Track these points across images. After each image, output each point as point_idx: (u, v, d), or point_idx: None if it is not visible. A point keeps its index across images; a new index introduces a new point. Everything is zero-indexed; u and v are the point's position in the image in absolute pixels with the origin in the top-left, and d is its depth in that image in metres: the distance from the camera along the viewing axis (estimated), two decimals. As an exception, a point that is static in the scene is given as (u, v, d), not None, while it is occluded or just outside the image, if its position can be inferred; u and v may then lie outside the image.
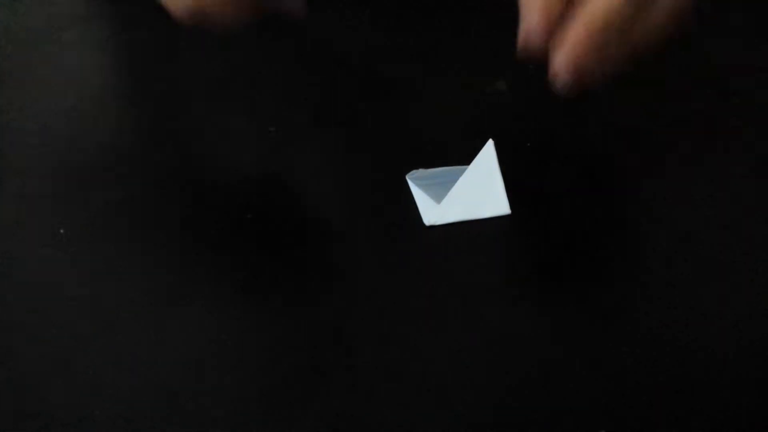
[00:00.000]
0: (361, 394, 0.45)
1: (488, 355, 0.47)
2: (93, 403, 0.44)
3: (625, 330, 0.49)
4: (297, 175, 0.63)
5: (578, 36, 0.48)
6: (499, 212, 0.56)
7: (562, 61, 0.49)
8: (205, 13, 0.55)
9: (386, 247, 0.55)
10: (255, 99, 0.75)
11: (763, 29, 0.77)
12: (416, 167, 0.61)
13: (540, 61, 0.50)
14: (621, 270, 0.53)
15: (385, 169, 0.63)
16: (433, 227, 0.55)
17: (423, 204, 0.57)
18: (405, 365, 0.46)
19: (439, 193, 0.57)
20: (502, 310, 0.50)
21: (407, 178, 0.60)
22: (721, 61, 0.74)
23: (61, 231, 0.57)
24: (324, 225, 0.58)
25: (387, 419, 0.43)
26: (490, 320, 0.50)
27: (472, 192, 0.56)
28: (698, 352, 0.47)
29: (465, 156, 0.58)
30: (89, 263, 0.54)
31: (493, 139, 0.67)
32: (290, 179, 0.63)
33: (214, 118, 0.71)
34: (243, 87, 0.77)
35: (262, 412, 0.44)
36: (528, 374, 0.46)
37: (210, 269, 0.54)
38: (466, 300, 0.51)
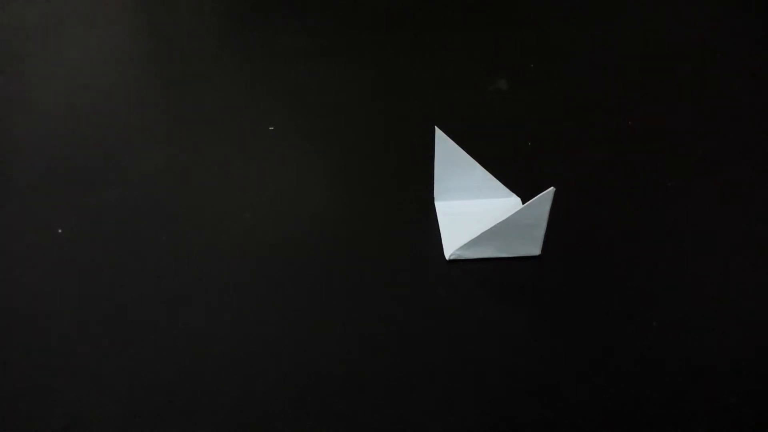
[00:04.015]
0: (362, 395, 0.45)
1: (487, 356, 0.47)
2: (93, 402, 0.44)
3: (627, 331, 0.48)
4: (298, 175, 0.63)
5: None
6: (528, 254, 0.53)
7: None
8: None
9: (385, 249, 0.55)
10: (255, 99, 0.75)
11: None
12: (415, 165, 0.61)
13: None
14: (621, 270, 0.53)
15: (383, 168, 0.63)
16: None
17: (447, 238, 0.55)
18: (407, 370, 0.47)
19: (466, 226, 0.55)
20: (502, 310, 0.50)
21: (436, 204, 0.58)
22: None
23: (59, 231, 0.57)
24: (322, 224, 0.58)
25: (388, 420, 0.43)
26: (487, 320, 0.49)
27: (510, 233, 0.52)
28: (698, 352, 0.47)
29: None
30: (88, 263, 0.54)
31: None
32: (291, 180, 0.63)
33: (214, 117, 0.71)
34: (243, 87, 0.77)
35: (263, 411, 0.44)
36: (528, 374, 0.46)
37: (209, 269, 0.53)
38: (463, 304, 0.51)
